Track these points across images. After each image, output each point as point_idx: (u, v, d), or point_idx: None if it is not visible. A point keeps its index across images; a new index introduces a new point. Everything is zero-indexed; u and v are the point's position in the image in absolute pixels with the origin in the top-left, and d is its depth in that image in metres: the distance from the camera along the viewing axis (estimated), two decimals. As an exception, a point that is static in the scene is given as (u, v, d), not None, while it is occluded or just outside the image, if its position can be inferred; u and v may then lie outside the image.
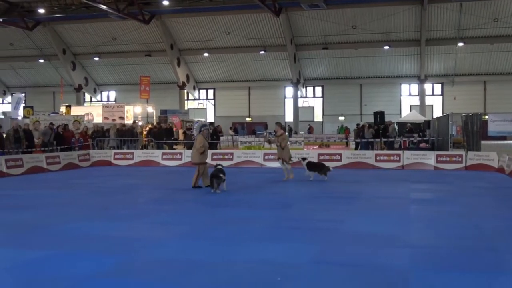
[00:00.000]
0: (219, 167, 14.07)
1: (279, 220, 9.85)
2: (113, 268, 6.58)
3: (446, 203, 11.99)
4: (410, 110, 48.24)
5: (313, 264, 6.72)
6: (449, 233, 8.58)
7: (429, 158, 21.62)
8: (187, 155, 22.80)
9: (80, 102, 54.77)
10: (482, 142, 24.53)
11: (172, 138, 30.55)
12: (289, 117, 53.76)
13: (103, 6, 39.16)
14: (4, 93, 61.30)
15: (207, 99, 58.17)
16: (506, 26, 42.81)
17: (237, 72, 53.60)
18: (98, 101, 58.39)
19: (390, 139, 28.20)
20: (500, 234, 8.50)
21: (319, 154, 22.86)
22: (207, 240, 8.07)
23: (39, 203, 12.28)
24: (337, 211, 10.79)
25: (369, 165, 21.85)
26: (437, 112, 47.83)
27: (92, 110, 40.38)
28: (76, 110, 39.77)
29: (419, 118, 40.41)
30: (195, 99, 57.99)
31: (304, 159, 17.63)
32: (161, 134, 29.46)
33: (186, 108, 53.12)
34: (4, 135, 21.83)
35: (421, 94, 49.46)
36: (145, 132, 31.82)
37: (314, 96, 55.28)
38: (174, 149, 28.51)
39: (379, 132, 28.61)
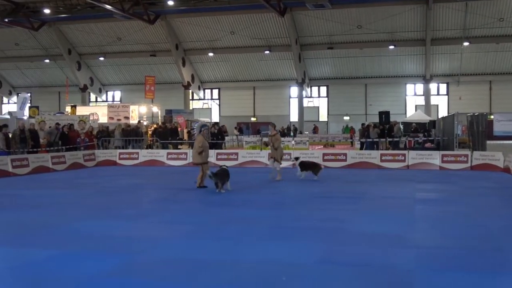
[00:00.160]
0: (224, 167, 14.12)
1: (284, 219, 9.84)
2: (117, 267, 6.59)
3: (452, 203, 11.95)
4: (415, 110, 48.15)
5: (319, 264, 6.71)
6: (455, 233, 8.56)
7: (434, 158, 21.55)
8: (192, 155, 22.80)
9: (85, 102, 54.85)
10: (488, 142, 24.45)
11: (177, 138, 30.58)
12: (294, 117, 53.72)
13: (108, 6, 39.22)
14: (10, 93, 61.48)
15: (212, 99, 58.18)
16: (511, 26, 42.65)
17: (242, 72, 53.59)
18: (103, 101, 58.47)
19: (395, 139, 28.14)
20: (506, 234, 8.47)
21: (324, 154, 22.83)
22: (212, 239, 8.07)
23: (44, 203, 12.31)
24: (342, 211, 10.77)
25: (374, 165, 21.80)
26: (443, 112, 47.69)
27: (97, 110, 40.43)
28: (81, 110, 39.83)
29: (424, 118, 40.32)
30: (200, 99, 58.01)
31: (297, 158, 17.72)
32: (166, 134, 29.49)
33: (191, 108, 53.12)
34: (10, 135, 21.90)
35: (427, 94, 49.29)
36: (150, 132, 31.85)
37: (319, 96, 55.20)
38: (179, 149, 28.54)
39: (384, 132, 28.55)
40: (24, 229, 9.05)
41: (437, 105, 50.85)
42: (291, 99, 54.92)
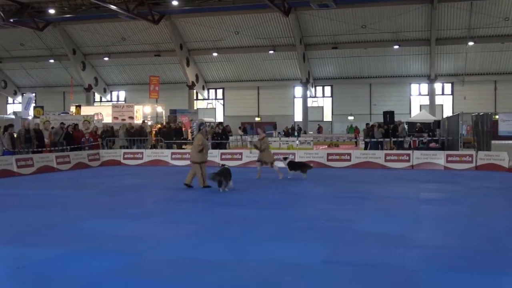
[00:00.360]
0: (226, 166, 14.14)
1: (288, 219, 9.83)
2: (121, 267, 6.60)
3: (456, 203, 11.93)
4: (420, 110, 47.99)
5: (323, 263, 6.70)
6: (459, 233, 8.54)
7: (439, 158, 21.51)
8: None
9: (90, 102, 54.97)
10: (493, 142, 24.35)
11: (181, 138, 30.58)
12: (298, 116, 53.67)
13: (113, 7, 39.28)
14: (15, 93, 61.66)
15: (216, 99, 58.19)
16: (517, 25, 42.53)
17: (246, 72, 53.58)
18: (107, 101, 58.56)
19: (400, 139, 28.09)
20: (511, 235, 8.44)
21: (328, 154, 22.85)
22: (216, 239, 8.08)
23: (48, 203, 12.35)
24: (347, 211, 10.76)
25: (379, 165, 21.78)
26: (447, 112, 47.55)
27: (102, 110, 40.54)
28: (86, 110, 39.92)
29: (429, 117, 40.20)
30: (204, 99, 58.02)
31: (285, 158, 17.75)
32: (171, 134, 29.51)
33: (195, 108, 53.15)
34: (15, 135, 21.96)
35: (431, 94, 49.13)
36: (154, 132, 31.89)
37: (323, 96, 55.12)
38: (183, 148, 28.55)
39: (389, 131, 28.50)
40: (28, 229, 9.08)
41: (442, 105, 50.70)
42: (295, 99, 54.87)
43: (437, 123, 36.02)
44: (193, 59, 52.74)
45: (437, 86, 50.10)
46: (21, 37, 52.02)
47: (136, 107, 39.23)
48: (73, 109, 40.81)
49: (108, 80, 58.51)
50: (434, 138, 29.80)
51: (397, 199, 12.63)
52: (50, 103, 55.81)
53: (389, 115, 29.37)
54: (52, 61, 55.08)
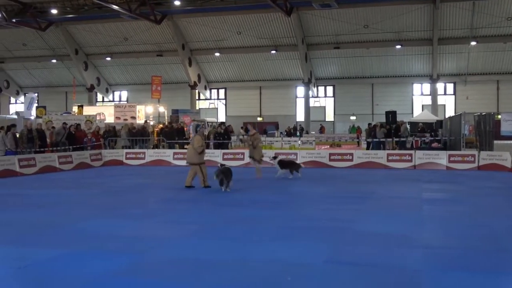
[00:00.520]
0: (226, 166, 14.16)
1: (290, 219, 9.83)
2: (123, 267, 6.60)
3: (458, 203, 11.92)
4: (422, 110, 47.96)
5: (325, 263, 6.70)
6: (461, 233, 8.53)
7: (441, 158, 21.49)
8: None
9: (92, 102, 55.00)
10: (495, 142, 24.34)
11: (184, 137, 30.58)
12: (300, 116, 53.65)
13: (115, 7, 39.31)
14: (17, 93, 61.74)
15: (218, 98, 58.21)
16: (519, 25, 42.45)
17: (249, 71, 53.58)
18: (110, 101, 58.61)
19: (402, 139, 28.06)
20: (513, 235, 8.44)
21: (330, 154, 22.85)
22: (217, 239, 8.08)
23: (51, 202, 12.36)
24: (349, 211, 10.75)
25: (381, 165, 21.76)
26: (449, 112, 47.46)
27: (104, 110, 40.51)
28: (88, 110, 39.94)
29: (431, 117, 40.18)
30: (206, 99, 58.04)
31: (275, 157, 17.79)
32: (173, 134, 29.51)
33: (197, 108, 53.17)
34: (18, 135, 22.01)
35: (433, 94, 49.09)
36: (156, 132, 31.90)
37: (325, 96, 55.11)
38: (185, 149, 28.50)
39: (391, 131, 28.48)
40: (30, 229, 9.09)
41: (444, 105, 50.63)
42: (297, 99, 54.85)
43: (440, 123, 35.97)
44: (195, 59, 52.76)
45: (440, 86, 50.05)
46: (23, 37, 52.09)
47: (138, 107, 39.23)
48: (75, 109, 40.86)
49: (110, 80, 58.56)
50: (437, 138, 29.75)
51: (399, 199, 12.62)
52: (52, 103, 55.86)
53: (391, 115, 29.36)
54: (54, 61, 55.14)
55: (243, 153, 23.87)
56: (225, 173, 13.68)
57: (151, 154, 24.86)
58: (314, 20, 45.25)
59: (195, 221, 9.84)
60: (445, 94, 51.31)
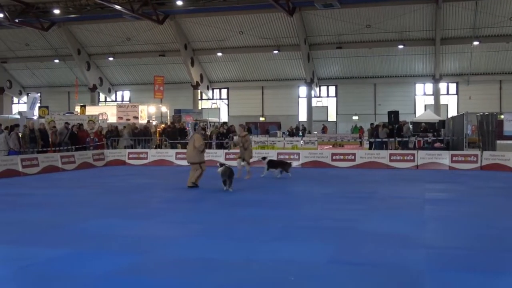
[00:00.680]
0: (226, 166, 14.18)
1: (293, 219, 9.83)
2: (127, 267, 6.60)
3: (461, 203, 11.90)
4: (425, 110, 47.85)
5: (328, 263, 6.70)
6: (464, 234, 8.52)
7: (443, 158, 21.47)
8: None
9: (94, 102, 55.06)
10: (498, 141, 24.30)
11: (186, 137, 30.59)
12: (302, 116, 53.63)
13: (117, 7, 39.35)
14: (20, 93, 61.85)
15: (220, 98, 58.22)
16: (522, 25, 42.36)
17: (251, 71, 53.58)
18: (112, 101, 58.66)
19: (405, 139, 28.03)
20: (516, 235, 8.42)
21: (332, 154, 22.86)
22: (221, 239, 8.08)
23: (54, 202, 12.38)
24: (352, 211, 10.74)
25: (383, 165, 21.75)
26: (452, 112, 47.41)
27: (107, 110, 40.59)
28: (90, 110, 39.98)
29: (433, 117, 40.09)
30: (208, 99, 58.07)
31: (264, 158, 17.84)
32: (175, 134, 29.50)
33: (199, 108, 53.21)
34: (20, 135, 22.04)
35: (436, 94, 49.03)
36: (159, 132, 31.91)
37: (328, 96, 55.07)
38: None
39: (393, 131, 28.46)
40: (32, 228, 9.10)
41: (447, 105, 50.58)
42: (299, 99, 54.84)
43: (442, 123, 35.91)
44: (198, 59, 52.79)
45: (442, 86, 49.99)
46: (26, 37, 52.19)
47: (141, 107, 39.28)
48: (78, 109, 40.91)
49: (112, 80, 58.62)
50: (439, 138, 29.70)
51: (402, 199, 12.61)
52: (55, 103, 55.96)
53: (393, 115, 29.35)
54: (57, 61, 55.22)
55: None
56: (227, 174, 13.71)
57: (153, 154, 24.87)
58: (317, 20, 45.23)
59: (199, 220, 9.84)
60: (447, 94, 51.25)
